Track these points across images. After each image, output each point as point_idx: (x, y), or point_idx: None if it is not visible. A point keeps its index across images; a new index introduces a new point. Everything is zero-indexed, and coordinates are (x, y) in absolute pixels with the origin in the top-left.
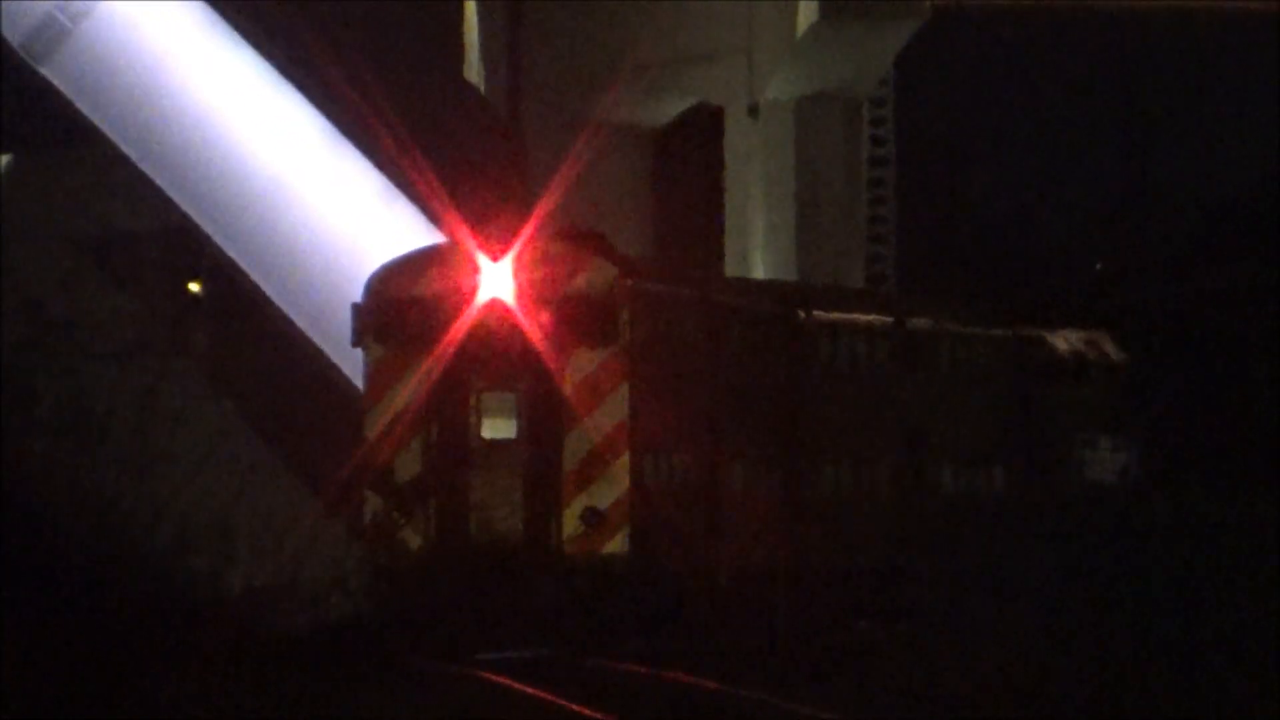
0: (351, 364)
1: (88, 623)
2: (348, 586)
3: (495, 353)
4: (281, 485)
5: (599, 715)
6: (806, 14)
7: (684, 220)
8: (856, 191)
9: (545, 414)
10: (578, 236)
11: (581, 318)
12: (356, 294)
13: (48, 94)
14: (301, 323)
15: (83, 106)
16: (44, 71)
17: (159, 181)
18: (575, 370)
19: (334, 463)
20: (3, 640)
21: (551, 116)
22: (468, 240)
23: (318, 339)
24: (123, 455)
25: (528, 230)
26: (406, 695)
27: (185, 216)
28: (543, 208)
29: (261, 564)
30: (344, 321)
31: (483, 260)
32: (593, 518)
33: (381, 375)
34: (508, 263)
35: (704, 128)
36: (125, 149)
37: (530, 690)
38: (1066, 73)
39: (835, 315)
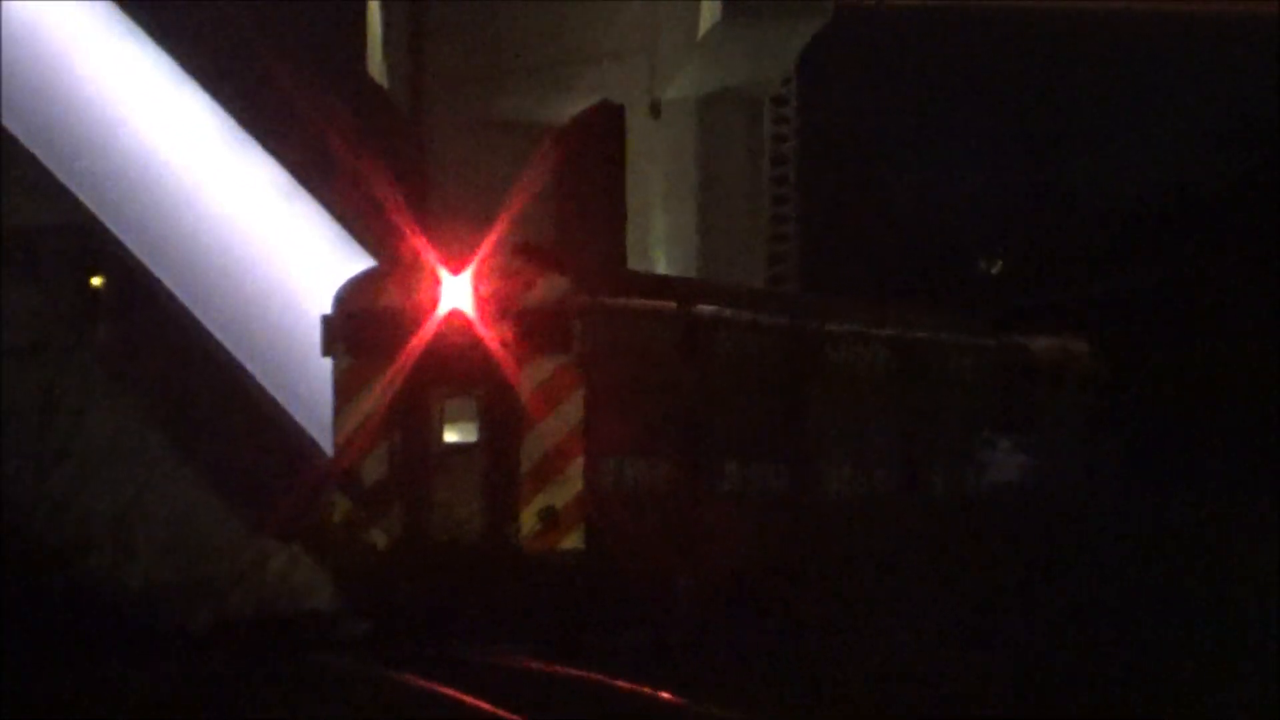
0: (254, 359)
1: None
2: (248, 583)
3: (456, 361)
4: (182, 482)
5: (505, 714)
6: (709, 13)
7: (586, 218)
8: (759, 190)
9: (504, 419)
10: (534, 251)
11: (537, 328)
12: (257, 289)
13: None
14: (204, 319)
15: None
16: None
17: (60, 176)
18: (531, 378)
19: (240, 462)
20: None
21: (454, 114)
22: (428, 254)
23: (220, 335)
24: (22, 451)
25: (486, 244)
26: (308, 693)
27: (87, 212)
28: (500, 223)
29: (162, 560)
30: (247, 317)
31: (443, 274)
32: (549, 516)
33: (349, 383)
34: (467, 276)
35: (606, 125)
36: (26, 144)
37: (436, 688)
38: (972, 71)
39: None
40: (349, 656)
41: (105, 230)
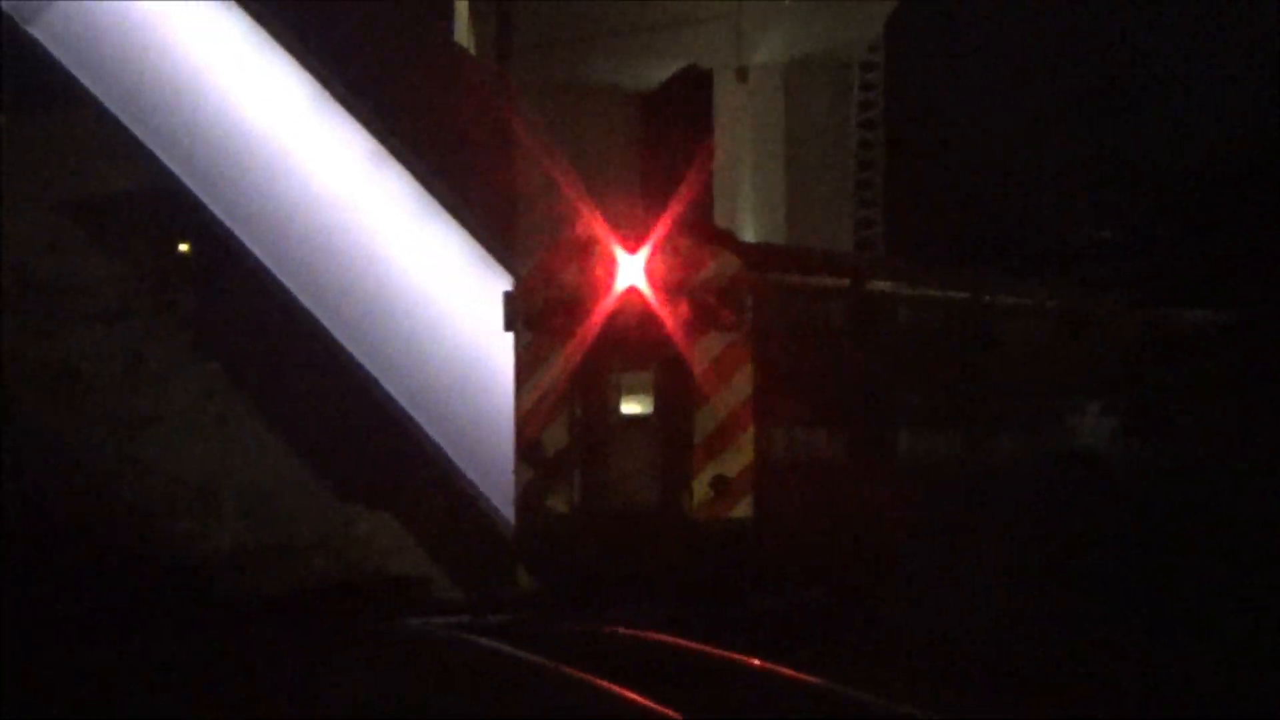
0: (339, 324)
1: (72, 582)
2: (333, 548)
3: (632, 337)
4: (268, 447)
5: (592, 679)
6: None
7: (671, 184)
8: (845, 155)
9: (677, 392)
10: (706, 230)
11: (709, 305)
12: (344, 256)
13: (34, 55)
14: (291, 285)
15: (71, 67)
16: (30, 31)
17: (147, 143)
18: (704, 353)
19: (326, 428)
20: None
21: (539, 80)
22: (606, 235)
23: (306, 300)
24: (109, 417)
25: (661, 224)
26: (394, 657)
27: (174, 178)
28: (676, 203)
29: (247, 525)
30: (334, 282)
31: (620, 253)
32: (720, 485)
33: (530, 358)
34: (642, 255)
35: (693, 91)
36: (113, 110)
37: (516, 652)
38: (1062, 36)
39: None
40: (436, 621)
41: (192, 196)
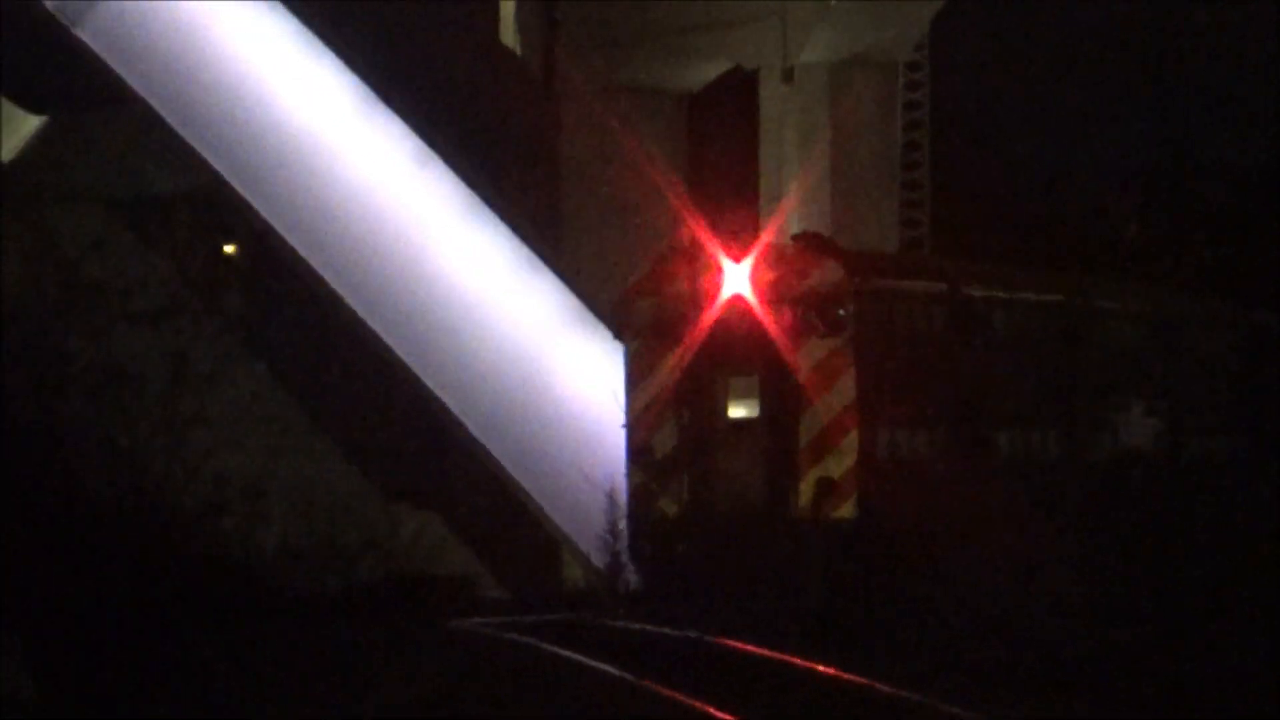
0: (385, 325)
1: (120, 581)
2: (380, 548)
3: (738, 343)
4: (315, 447)
5: (634, 679)
6: None
7: (717, 185)
8: (891, 155)
9: (782, 397)
10: (810, 239)
11: (813, 312)
12: (390, 256)
13: (82, 56)
14: (336, 285)
15: (116, 68)
16: (78, 33)
17: (193, 143)
18: (808, 358)
19: (372, 429)
20: (36, 597)
21: (585, 80)
22: (712, 244)
23: (352, 301)
24: (156, 416)
25: (766, 233)
26: (439, 656)
27: (220, 178)
28: (779, 213)
29: (294, 525)
30: (387, 279)
31: (725, 262)
32: (825, 486)
33: (640, 364)
34: (747, 264)
35: (738, 92)
36: (159, 110)
37: (557, 650)
38: (1104, 35)
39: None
40: (483, 622)
41: (239, 198)
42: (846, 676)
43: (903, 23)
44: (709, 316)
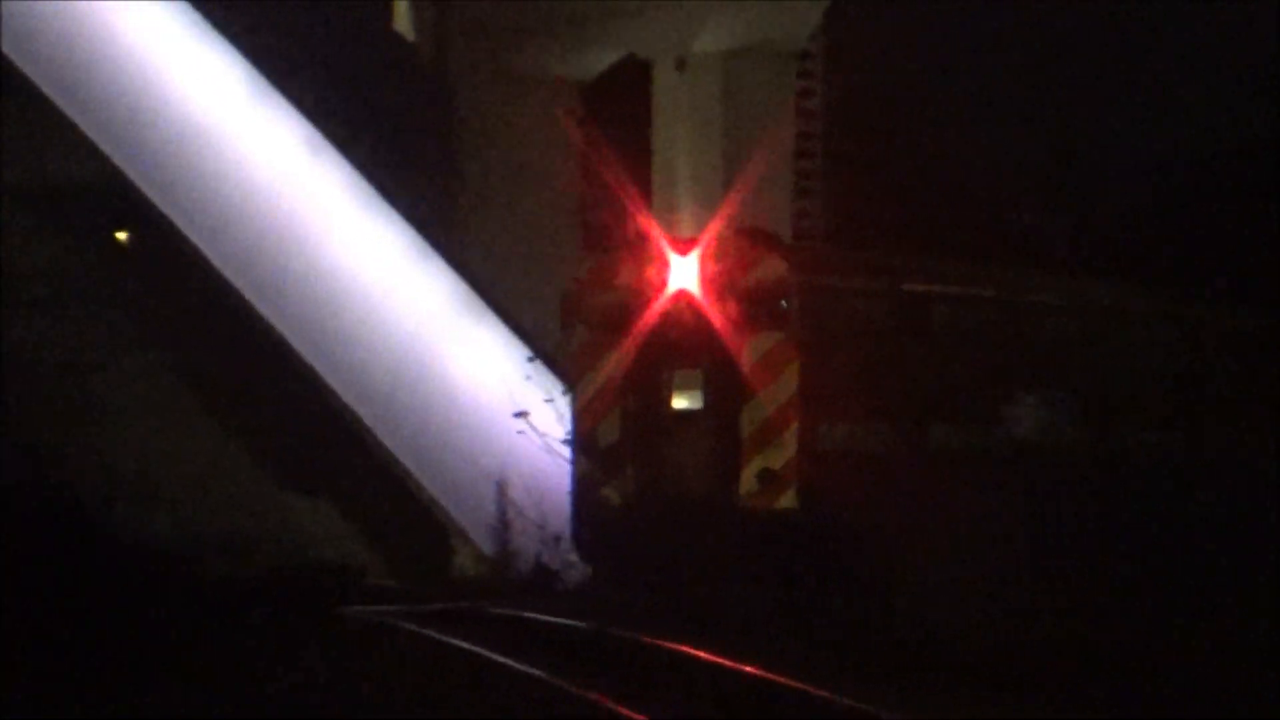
0: (277, 312)
1: (8, 570)
2: (273, 536)
3: (683, 336)
4: (208, 436)
5: (526, 669)
6: None
7: (609, 175)
8: (784, 147)
9: (726, 389)
10: (754, 234)
11: (757, 306)
12: (285, 245)
13: None
14: (228, 272)
15: (11, 54)
16: None
17: (88, 131)
18: (752, 351)
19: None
20: None
21: (478, 68)
22: (658, 237)
23: (246, 290)
24: (49, 403)
25: (711, 228)
26: (332, 645)
27: (115, 166)
28: (725, 206)
29: (187, 512)
30: (279, 268)
31: (672, 256)
32: (767, 477)
33: (585, 355)
34: (693, 257)
35: (632, 81)
36: (54, 97)
37: (455, 642)
38: (1003, 26)
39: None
40: (374, 610)
41: (132, 186)
42: (750, 670)
43: (797, 13)
44: (655, 309)
